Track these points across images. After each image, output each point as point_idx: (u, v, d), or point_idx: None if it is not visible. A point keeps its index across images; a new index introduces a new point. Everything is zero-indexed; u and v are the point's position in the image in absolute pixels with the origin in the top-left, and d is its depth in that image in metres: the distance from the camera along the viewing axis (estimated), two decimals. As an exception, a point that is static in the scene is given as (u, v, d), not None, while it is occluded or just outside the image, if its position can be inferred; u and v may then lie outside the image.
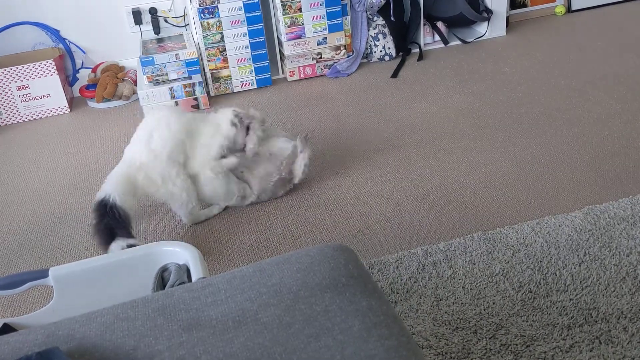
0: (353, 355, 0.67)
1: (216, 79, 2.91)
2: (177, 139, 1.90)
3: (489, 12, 3.24)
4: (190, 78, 2.80)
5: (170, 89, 2.76)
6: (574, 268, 1.60)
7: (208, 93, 2.91)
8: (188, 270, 1.25)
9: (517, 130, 2.35)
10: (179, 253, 1.27)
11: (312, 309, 0.75)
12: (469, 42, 3.27)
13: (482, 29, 3.32)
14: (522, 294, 1.54)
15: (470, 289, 1.57)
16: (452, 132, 2.39)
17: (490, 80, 2.81)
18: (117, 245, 1.73)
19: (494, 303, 1.52)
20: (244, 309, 0.76)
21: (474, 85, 2.78)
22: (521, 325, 1.44)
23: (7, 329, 1.25)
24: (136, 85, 2.97)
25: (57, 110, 2.95)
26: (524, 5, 3.52)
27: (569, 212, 1.82)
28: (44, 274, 1.25)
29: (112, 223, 1.76)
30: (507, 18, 3.35)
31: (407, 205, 1.97)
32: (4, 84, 2.83)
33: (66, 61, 3.08)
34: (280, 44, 3.01)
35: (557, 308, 1.48)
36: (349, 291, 0.78)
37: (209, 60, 2.87)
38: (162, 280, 1.26)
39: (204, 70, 2.89)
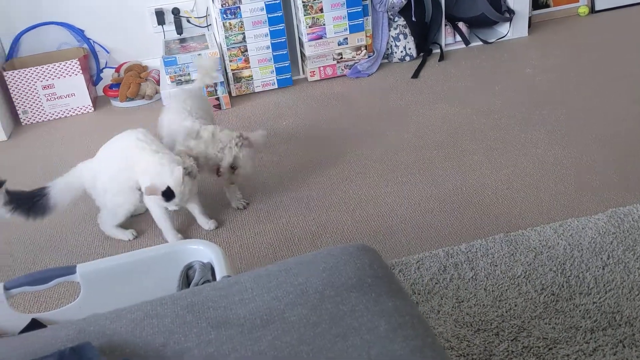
0: (379, 356, 0.68)
1: (237, 79, 2.93)
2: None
3: (511, 12, 3.22)
4: (212, 78, 2.82)
5: (193, 88, 2.78)
6: (598, 271, 1.59)
7: (230, 93, 2.93)
8: (212, 269, 1.26)
9: (539, 132, 2.33)
10: (203, 251, 1.28)
11: (338, 309, 0.76)
12: (491, 43, 3.25)
13: (504, 29, 3.30)
14: (545, 296, 1.53)
15: (492, 291, 1.57)
16: (473, 133, 2.38)
17: (512, 81, 2.79)
18: None
19: (516, 305, 1.51)
20: (271, 308, 0.77)
21: (496, 86, 2.76)
22: (544, 328, 1.44)
23: (36, 324, 1.28)
24: (159, 85, 3.00)
25: (81, 109, 2.99)
26: (547, 6, 3.49)
27: (592, 215, 1.81)
28: (71, 270, 1.27)
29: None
30: (530, 18, 3.33)
31: (428, 206, 1.97)
32: (29, 83, 2.88)
33: (90, 61, 3.13)
34: (301, 44, 3.02)
35: (580, 311, 1.48)
36: (375, 291, 0.79)
37: (230, 61, 2.89)
38: (187, 278, 1.28)
39: (225, 70, 2.92)
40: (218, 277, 1.20)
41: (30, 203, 1.89)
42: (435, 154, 2.26)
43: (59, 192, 1.93)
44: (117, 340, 0.75)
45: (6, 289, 1.24)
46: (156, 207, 1.91)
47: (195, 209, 2.00)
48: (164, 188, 1.78)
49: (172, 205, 1.84)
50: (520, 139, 2.30)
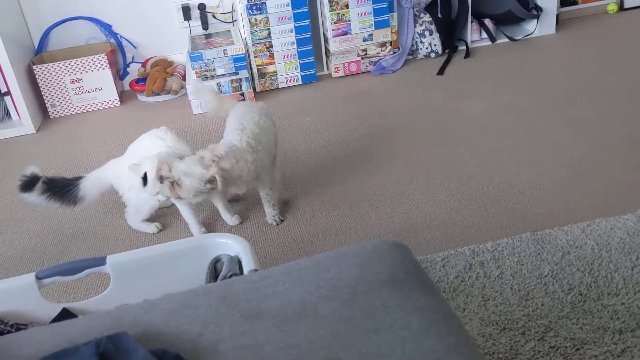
0: (413, 351, 0.68)
1: (262, 74, 2.94)
2: None
3: (539, 9, 3.18)
4: (237, 74, 2.83)
5: (218, 84, 2.80)
6: (627, 272, 1.57)
7: (254, 88, 2.95)
8: (239, 262, 1.28)
9: (566, 130, 2.30)
10: (231, 245, 1.29)
11: (370, 304, 0.76)
12: (517, 40, 3.22)
13: (531, 26, 3.26)
14: (572, 296, 1.52)
15: (519, 290, 1.55)
16: (499, 130, 2.36)
17: (539, 79, 2.76)
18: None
19: (542, 305, 1.50)
20: (303, 301, 0.77)
21: (522, 83, 2.74)
22: (571, 328, 1.42)
23: (67, 313, 1.30)
24: (184, 80, 3.03)
25: (108, 103, 3.03)
26: (575, 3, 3.44)
27: (621, 215, 1.78)
28: (101, 261, 1.29)
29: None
30: (557, 16, 3.28)
31: (453, 203, 1.96)
32: (58, 76, 2.92)
33: (117, 55, 3.16)
34: (326, 40, 3.02)
35: (608, 312, 1.46)
36: (407, 287, 0.79)
37: (255, 56, 2.90)
38: (214, 271, 1.29)
39: (250, 65, 2.93)
40: (245, 270, 1.21)
41: (65, 190, 1.97)
42: (460, 151, 2.25)
43: (89, 184, 1.99)
44: (152, 330, 0.76)
45: (38, 278, 1.27)
46: (180, 203, 1.92)
47: (219, 204, 2.01)
48: (142, 173, 1.77)
49: (150, 193, 1.78)
50: (547, 137, 2.27)
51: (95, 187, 2.01)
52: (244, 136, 1.85)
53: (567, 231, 1.74)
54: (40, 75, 2.90)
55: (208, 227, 2.00)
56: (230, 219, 2.01)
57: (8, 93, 2.82)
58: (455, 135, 2.37)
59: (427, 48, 3.11)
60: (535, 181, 2.02)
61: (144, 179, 1.76)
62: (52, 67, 2.89)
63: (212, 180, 1.74)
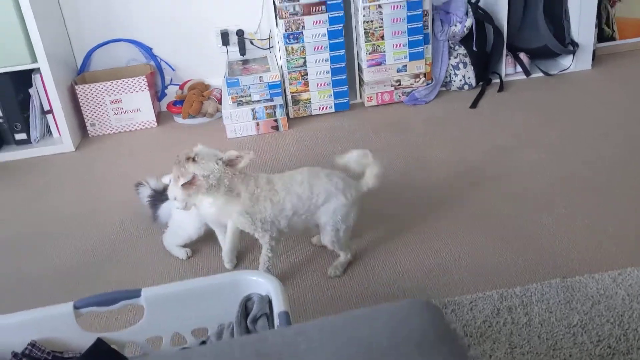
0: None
1: (296, 101, 2.99)
2: None
3: (575, 45, 3.17)
4: (271, 100, 2.88)
5: (253, 110, 2.86)
6: (658, 326, 1.55)
7: (287, 115, 2.99)
8: (270, 302, 1.30)
9: (601, 170, 2.29)
10: (262, 284, 1.32)
11: (400, 368, 0.77)
12: (552, 75, 3.21)
13: (566, 61, 3.25)
14: (601, 348, 1.50)
15: (547, 339, 1.55)
16: (532, 168, 2.36)
17: (574, 115, 2.75)
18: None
19: (570, 356, 1.49)
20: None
21: (557, 119, 2.73)
22: (599, 382, 1.41)
23: (101, 343, 1.34)
24: (220, 104, 3.09)
25: (145, 123, 3.10)
26: (612, 39, 3.42)
27: (654, 265, 1.76)
28: (137, 293, 1.33)
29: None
30: (594, 51, 3.27)
31: (483, 243, 1.96)
32: (99, 97, 3.01)
33: (156, 77, 3.24)
34: (360, 69, 3.06)
35: (638, 367, 1.44)
36: (437, 351, 0.81)
37: (290, 84, 2.95)
38: (245, 309, 1.32)
39: (285, 92, 2.98)
40: (275, 311, 1.24)
41: (159, 202, 2.12)
42: (491, 188, 2.25)
43: (165, 205, 2.10)
44: (188, 382, 0.79)
45: (76, 307, 1.31)
46: (229, 225, 1.92)
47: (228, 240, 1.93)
48: (168, 180, 1.83)
49: (170, 198, 1.80)
50: (580, 177, 2.26)
51: (166, 209, 2.10)
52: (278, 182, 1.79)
53: (598, 279, 1.73)
54: (81, 95, 3.00)
55: (239, 256, 2.02)
56: (229, 262, 1.96)
57: (50, 111, 2.92)
58: (487, 171, 2.37)
59: (460, 80, 3.12)
60: (568, 223, 2.01)
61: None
62: (93, 87, 2.98)
63: (230, 160, 1.71)
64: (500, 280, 1.79)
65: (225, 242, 1.95)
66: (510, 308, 1.65)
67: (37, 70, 2.82)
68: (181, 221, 2.01)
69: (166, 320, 1.36)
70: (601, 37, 3.38)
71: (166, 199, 2.02)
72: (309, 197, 1.79)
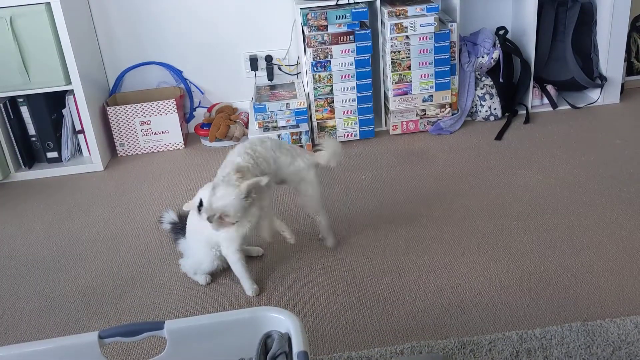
0: None
1: (321, 128, 3.02)
2: None
3: (603, 79, 3.15)
4: (297, 126, 2.92)
5: (279, 135, 2.89)
6: (681, 377, 1.53)
7: (313, 141, 3.02)
8: (289, 340, 1.32)
9: (626, 211, 2.26)
10: (283, 321, 1.34)
11: None
12: (579, 108, 3.19)
13: (594, 94, 3.23)
14: (621, 398, 1.49)
15: (565, 385, 1.54)
16: (556, 206, 2.34)
17: (600, 152, 2.72)
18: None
19: (589, 404, 1.48)
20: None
21: (582, 155, 2.71)
22: None
23: (124, 373, 1.38)
24: (246, 128, 3.13)
25: (173, 145, 3.16)
26: (642, 72, 3.39)
27: (678, 312, 1.74)
28: (160, 325, 1.36)
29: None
30: (622, 85, 3.24)
31: (503, 282, 1.95)
32: (129, 118, 3.08)
33: (185, 100, 3.31)
34: (386, 98, 3.08)
35: (658, 419, 1.42)
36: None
37: (316, 110, 2.98)
38: (265, 347, 1.34)
39: (311, 119, 3.01)
40: (295, 350, 1.25)
41: (179, 230, 2.20)
42: (514, 225, 2.24)
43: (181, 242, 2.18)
44: None
45: (101, 337, 1.35)
46: (232, 254, 1.99)
47: (241, 269, 2.02)
48: (198, 201, 1.88)
49: (202, 219, 1.87)
50: (605, 217, 2.24)
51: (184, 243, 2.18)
52: (245, 155, 1.96)
53: (620, 324, 1.71)
54: (112, 116, 3.07)
55: (259, 285, 2.05)
56: (250, 288, 2.01)
57: (82, 131, 3.00)
58: (510, 206, 2.37)
59: (486, 111, 3.12)
60: (590, 265, 1.99)
61: (199, 207, 1.87)
62: (124, 109, 3.06)
63: (249, 193, 1.85)
64: (520, 321, 1.78)
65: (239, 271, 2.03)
66: (530, 351, 1.65)
67: (71, 91, 2.90)
68: (195, 254, 2.06)
69: (187, 353, 1.39)
70: (630, 70, 3.35)
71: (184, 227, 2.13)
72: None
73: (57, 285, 2.15)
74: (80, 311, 2.01)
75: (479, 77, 3.10)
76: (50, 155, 3.04)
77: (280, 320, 1.35)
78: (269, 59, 3.24)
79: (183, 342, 1.37)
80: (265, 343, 1.34)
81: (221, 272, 2.13)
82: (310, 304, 1.95)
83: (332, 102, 2.97)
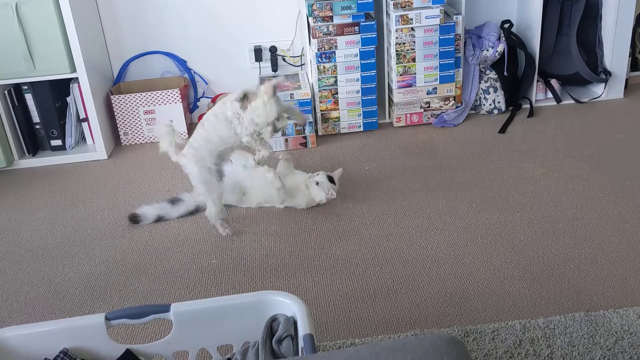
0: None
1: (325, 119, 3.03)
2: None
3: (607, 74, 3.15)
4: (301, 117, 2.92)
5: (282, 126, 2.89)
6: (683, 366, 1.54)
7: (316, 132, 3.03)
8: (295, 323, 1.33)
9: (629, 205, 2.27)
10: (289, 305, 1.35)
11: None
12: (583, 102, 3.19)
13: (598, 89, 3.23)
14: (624, 386, 1.50)
15: (568, 374, 1.55)
16: (559, 198, 2.35)
17: (603, 146, 2.73)
18: None
19: (592, 392, 1.49)
20: (360, 393, 0.81)
21: (585, 149, 2.71)
22: (620, 421, 1.41)
23: (129, 354, 1.38)
24: (250, 118, 3.13)
25: (176, 135, 3.16)
26: (646, 68, 3.39)
27: (681, 303, 1.75)
28: (166, 308, 1.37)
29: None
30: (626, 80, 3.25)
31: (507, 273, 1.96)
32: (133, 107, 3.08)
33: (189, 89, 3.31)
34: (390, 90, 3.08)
35: (660, 408, 1.43)
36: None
37: (320, 102, 2.99)
38: (270, 330, 1.35)
39: (314, 110, 3.01)
40: (300, 333, 1.26)
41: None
42: (518, 217, 2.25)
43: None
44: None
45: (107, 319, 1.35)
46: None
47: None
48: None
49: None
50: (608, 210, 2.25)
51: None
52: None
53: (622, 315, 1.72)
54: (116, 105, 3.07)
55: (265, 274, 2.05)
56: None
57: (86, 119, 3.00)
58: (514, 198, 2.37)
59: (490, 104, 3.12)
60: (593, 257, 2.00)
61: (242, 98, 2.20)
62: (128, 98, 3.06)
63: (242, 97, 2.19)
64: (523, 310, 1.79)
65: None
66: (533, 340, 1.65)
67: (76, 79, 2.91)
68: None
69: (193, 336, 1.40)
70: (634, 66, 3.35)
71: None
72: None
73: (62, 271, 2.16)
74: (85, 297, 2.01)
75: (483, 70, 3.10)
76: (54, 143, 3.04)
77: (286, 304, 1.35)
78: (273, 49, 3.24)
79: (189, 325, 1.38)
80: (271, 326, 1.34)
81: (227, 260, 2.13)
82: (314, 292, 1.95)
83: (336, 93, 2.97)
